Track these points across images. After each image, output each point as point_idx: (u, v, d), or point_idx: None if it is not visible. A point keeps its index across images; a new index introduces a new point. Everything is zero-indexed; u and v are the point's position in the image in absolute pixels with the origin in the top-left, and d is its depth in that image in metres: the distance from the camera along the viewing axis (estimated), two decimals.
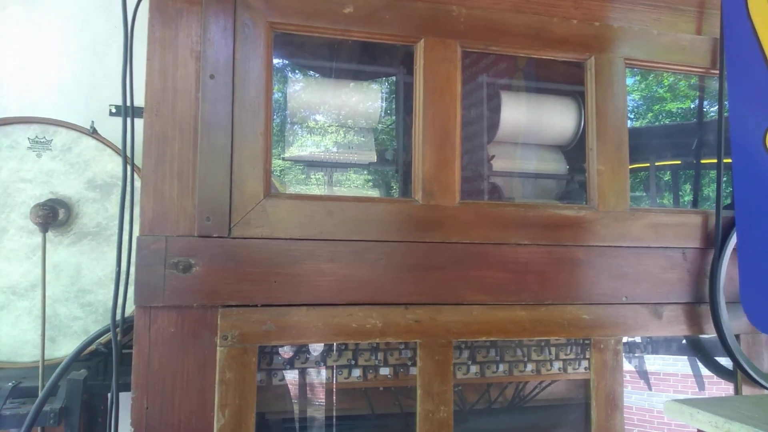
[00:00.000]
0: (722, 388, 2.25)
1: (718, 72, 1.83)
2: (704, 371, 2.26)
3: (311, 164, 2.10)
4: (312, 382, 1.84)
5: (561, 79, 2.11)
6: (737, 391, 1.80)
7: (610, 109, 1.76)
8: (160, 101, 1.46)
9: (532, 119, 1.98)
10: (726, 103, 1.70)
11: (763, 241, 1.32)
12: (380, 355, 1.69)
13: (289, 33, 1.60)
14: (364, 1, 1.60)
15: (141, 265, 1.39)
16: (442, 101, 1.62)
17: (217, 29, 1.50)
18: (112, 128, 2.04)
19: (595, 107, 1.75)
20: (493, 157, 1.98)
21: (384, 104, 1.98)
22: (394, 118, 2.12)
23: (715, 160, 1.80)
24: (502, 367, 1.82)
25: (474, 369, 1.79)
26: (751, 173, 1.33)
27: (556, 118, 1.99)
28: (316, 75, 2.21)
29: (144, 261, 1.39)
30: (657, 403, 5.62)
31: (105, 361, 1.84)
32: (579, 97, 2.04)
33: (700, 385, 3.19)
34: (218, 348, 1.40)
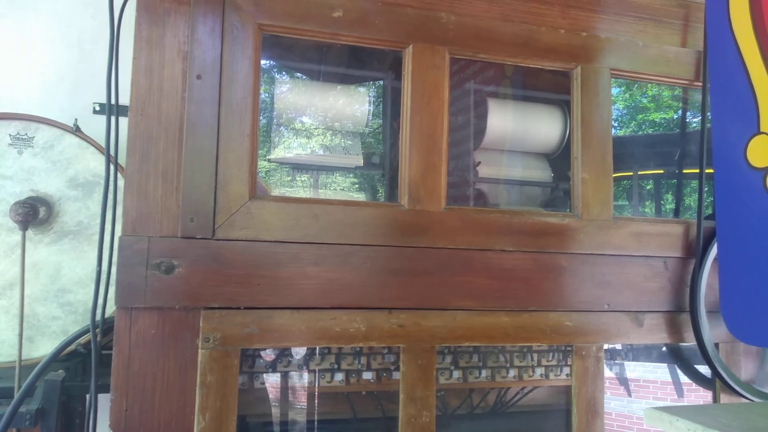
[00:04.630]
0: (701, 395, 2.28)
1: (701, 84, 1.86)
2: (683, 378, 2.29)
3: (297, 167, 2.10)
4: (294, 386, 1.82)
5: (547, 88, 2.13)
6: (715, 399, 1.82)
7: (595, 119, 1.78)
8: (146, 100, 1.45)
9: (519, 127, 1.99)
10: (708, 114, 1.73)
11: (743, 252, 1.34)
12: (363, 360, 1.69)
13: (277, 35, 1.59)
14: (353, 5, 1.60)
15: (123, 265, 1.37)
16: (429, 107, 1.63)
17: (205, 30, 1.49)
18: (96, 126, 2.02)
19: (580, 116, 1.77)
20: (479, 163, 1.99)
21: (371, 108, 1.98)
22: (381, 122, 2.12)
23: (697, 170, 1.82)
24: (484, 372, 1.82)
25: (457, 374, 1.79)
26: (733, 185, 1.35)
27: (542, 126, 2.01)
28: (304, 77, 2.21)
29: (126, 261, 1.37)
30: (636, 410, 5.69)
31: (84, 362, 1.82)
32: (565, 106, 2.06)
33: (679, 392, 3.23)
34: (200, 350, 1.39)
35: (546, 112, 2.04)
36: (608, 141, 1.79)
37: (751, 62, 1.41)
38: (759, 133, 1.31)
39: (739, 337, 1.44)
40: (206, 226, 1.43)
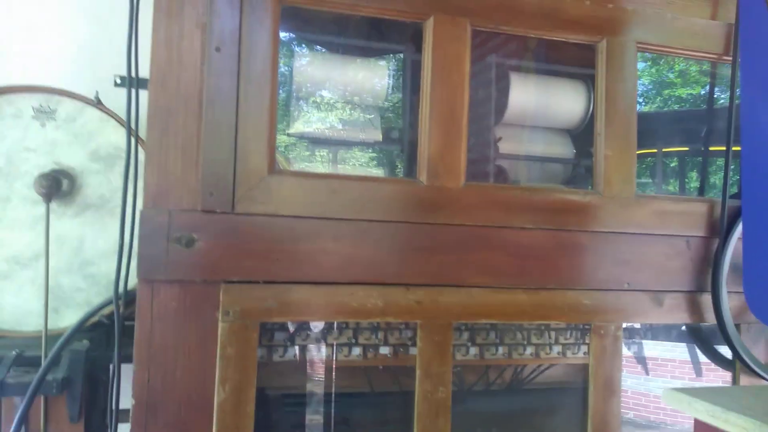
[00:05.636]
0: (719, 375, 2.26)
1: (731, 59, 1.80)
2: (702, 358, 2.27)
3: (316, 141, 2.09)
4: (312, 359, 1.84)
5: (571, 62, 2.08)
6: (735, 380, 1.80)
7: (619, 94, 1.74)
8: (166, 73, 1.45)
9: (541, 102, 1.96)
10: (737, 91, 1.68)
11: None
12: (380, 335, 1.70)
13: (296, 6, 1.57)
14: None
15: (144, 238, 1.38)
16: (450, 81, 1.60)
17: (223, 1, 1.47)
18: (117, 99, 2.02)
19: (604, 91, 1.73)
20: (499, 139, 1.96)
21: (391, 82, 1.95)
22: (400, 96, 2.09)
23: (723, 148, 1.78)
24: (501, 349, 1.82)
25: (473, 351, 1.79)
26: (760, 164, 1.32)
27: (564, 101, 1.97)
28: (323, 50, 2.18)
29: (147, 234, 1.39)
30: (653, 388, 5.69)
31: (107, 333, 1.85)
32: (588, 81, 2.01)
33: (698, 371, 3.22)
34: (220, 323, 1.41)
35: (569, 87, 1.99)
36: (633, 117, 1.75)
37: None
38: None
39: (762, 318, 1.42)
40: (226, 200, 1.44)
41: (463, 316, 1.58)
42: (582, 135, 2.08)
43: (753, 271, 1.37)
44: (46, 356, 1.66)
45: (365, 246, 1.52)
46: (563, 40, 1.75)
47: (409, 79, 1.95)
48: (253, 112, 1.47)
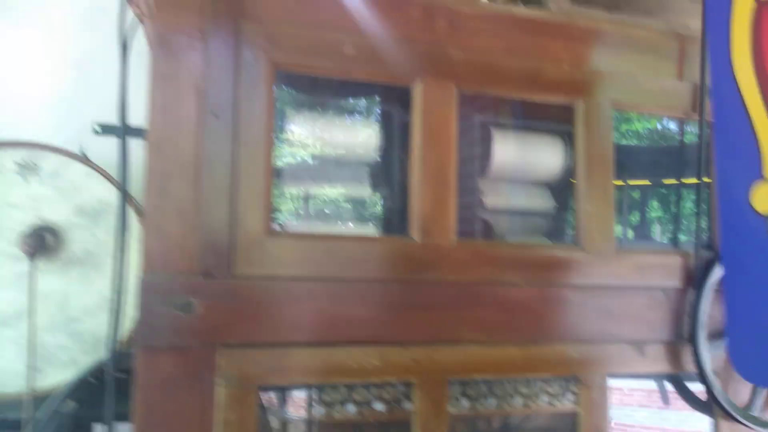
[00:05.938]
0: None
1: (698, 117, 1.91)
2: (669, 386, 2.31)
3: (304, 198, 2.11)
4: (306, 416, 1.83)
5: (547, 117, 2.16)
6: (715, 424, 1.85)
7: (597, 152, 1.83)
8: (162, 138, 1.46)
9: (522, 157, 2.02)
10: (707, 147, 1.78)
11: (750, 297, 1.38)
12: (374, 391, 1.70)
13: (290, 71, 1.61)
14: (365, 41, 1.62)
15: (142, 304, 1.38)
16: (439, 143, 1.66)
17: (219, 66, 1.50)
18: (98, 148, 2.01)
19: (583, 149, 1.81)
20: (483, 193, 2.02)
21: (379, 139, 1.97)
22: (388, 151, 2.13)
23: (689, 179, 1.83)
24: (491, 400, 1.85)
25: (466, 403, 1.81)
26: (738, 228, 1.40)
27: (544, 155, 2.04)
28: (311, 104, 2.21)
29: (145, 300, 1.38)
30: (621, 416, 5.79)
31: (91, 391, 1.81)
32: (565, 136, 2.10)
33: (665, 400, 3.31)
34: (219, 388, 1.40)
35: (547, 142, 2.07)
36: (610, 173, 1.83)
37: (752, 106, 1.47)
38: (763, 179, 1.36)
39: (750, 379, 1.47)
40: (224, 264, 1.44)
41: (459, 373, 1.61)
42: (560, 187, 2.16)
43: (736, 334, 1.43)
44: (29, 419, 1.61)
45: (361, 305, 1.54)
46: (544, 102, 1.83)
47: (398, 137, 1.98)
48: (250, 175, 1.49)
